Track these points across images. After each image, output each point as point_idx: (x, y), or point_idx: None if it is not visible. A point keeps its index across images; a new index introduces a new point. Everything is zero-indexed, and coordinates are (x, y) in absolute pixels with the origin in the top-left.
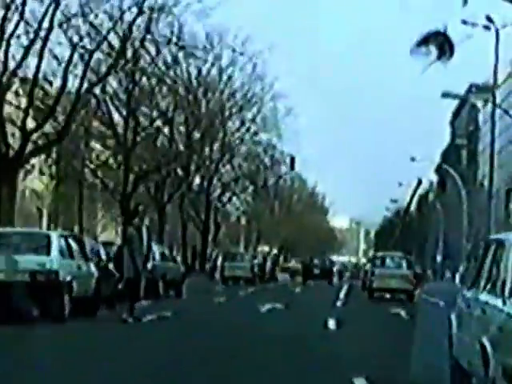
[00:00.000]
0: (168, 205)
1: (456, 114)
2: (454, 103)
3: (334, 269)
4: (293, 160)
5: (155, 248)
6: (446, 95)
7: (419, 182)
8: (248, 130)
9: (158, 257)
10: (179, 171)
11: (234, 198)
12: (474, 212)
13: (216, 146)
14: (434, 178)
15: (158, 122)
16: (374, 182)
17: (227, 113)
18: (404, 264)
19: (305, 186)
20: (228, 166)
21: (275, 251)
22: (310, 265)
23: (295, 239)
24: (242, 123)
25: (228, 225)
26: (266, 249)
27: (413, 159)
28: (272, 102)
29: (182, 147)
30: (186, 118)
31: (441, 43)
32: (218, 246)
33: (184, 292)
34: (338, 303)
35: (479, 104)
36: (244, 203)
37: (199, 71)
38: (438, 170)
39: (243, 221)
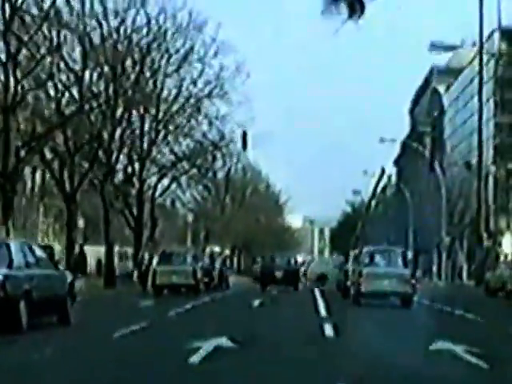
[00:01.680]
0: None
1: (415, 101)
2: (412, 91)
3: (301, 270)
4: (245, 135)
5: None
6: (435, 47)
7: (382, 172)
8: (188, 99)
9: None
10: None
11: (175, 188)
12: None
13: (148, 118)
14: (393, 170)
15: (63, 78)
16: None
17: (161, 76)
18: (400, 261)
19: (259, 177)
20: (165, 149)
21: (227, 252)
22: (271, 266)
23: (249, 238)
24: (180, 89)
25: (171, 222)
26: (217, 249)
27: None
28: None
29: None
30: (99, 74)
31: (351, 2)
32: (156, 247)
33: (71, 317)
34: (327, 329)
35: (441, 88)
36: (188, 195)
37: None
38: (398, 161)
39: (190, 218)
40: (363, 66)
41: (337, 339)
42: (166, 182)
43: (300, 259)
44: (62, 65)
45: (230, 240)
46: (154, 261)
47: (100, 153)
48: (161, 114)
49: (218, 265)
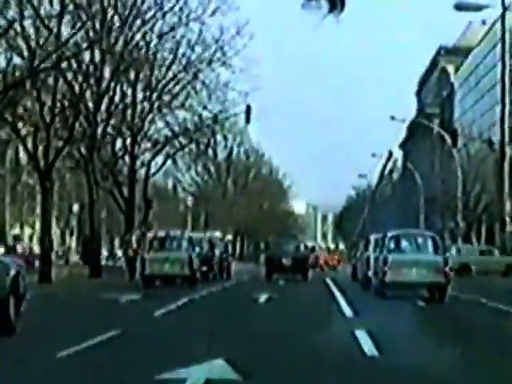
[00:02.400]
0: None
1: (422, 83)
2: (418, 73)
3: (311, 257)
4: (248, 109)
5: None
6: (460, 7)
7: (390, 154)
8: (186, 68)
9: None
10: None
11: (174, 170)
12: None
13: (140, 86)
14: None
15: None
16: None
17: (154, 39)
18: (430, 246)
19: (262, 161)
20: (160, 123)
21: (230, 237)
22: (278, 252)
23: (253, 223)
24: (176, 53)
25: (170, 207)
26: (218, 234)
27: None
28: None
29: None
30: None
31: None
32: (151, 231)
33: (16, 323)
34: (364, 341)
35: (450, 69)
36: (188, 178)
37: None
38: (404, 144)
39: (189, 201)
40: (369, 46)
41: (385, 360)
42: (161, 159)
43: (310, 245)
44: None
45: (233, 225)
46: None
47: (83, 124)
48: (154, 82)
49: (218, 251)
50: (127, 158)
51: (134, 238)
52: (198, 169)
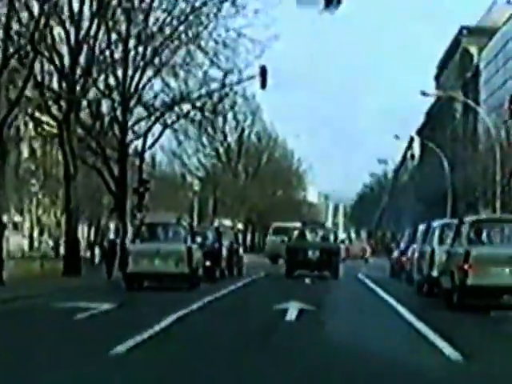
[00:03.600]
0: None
1: (442, 66)
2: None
3: (342, 249)
4: (264, 71)
5: None
6: None
7: (411, 140)
8: (188, 17)
9: None
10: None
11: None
12: None
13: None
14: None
15: None
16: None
17: None
18: None
19: (275, 144)
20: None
21: (240, 226)
22: (302, 244)
23: (265, 211)
24: None
25: (169, 190)
26: (228, 223)
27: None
28: None
29: None
30: None
31: None
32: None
33: None
34: None
35: (473, 50)
36: (195, 161)
37: None
38: (421, 131)
39: (196, 186)
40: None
41: None
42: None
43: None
44: None
45: (244, 213)
46: (129, 235)
47: (56, 79)
48: (150, 34)
49: (227, 242)
50: (117, 129)
51: (111, 226)
52: (205, 151)
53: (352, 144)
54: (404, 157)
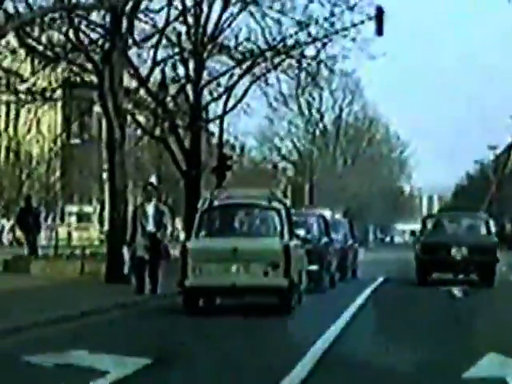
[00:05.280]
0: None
1: None
2: None
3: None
4: (380, 13)
5: None
6: None
7: None
8: None
9: None
10: None
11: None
12: None
13: None
14: None
15: None
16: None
17: None
18: None
19: (377, 124)
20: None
21: (338, 216)
22: (441, 236)
23: (364, 200)
24: None
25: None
26: (327, 213)
27: None
28: None
29: None
30: None
31: None
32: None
33: None
34: None
35: None
36: (289, 143)
37: None
38: None
39: (289, 171)
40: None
41: None
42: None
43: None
44: None
45: (342, 202)
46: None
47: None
48: None
49: (338, 236)
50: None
51: (151, 209)
52: (299, 133)
53: (461, 130)
54: None
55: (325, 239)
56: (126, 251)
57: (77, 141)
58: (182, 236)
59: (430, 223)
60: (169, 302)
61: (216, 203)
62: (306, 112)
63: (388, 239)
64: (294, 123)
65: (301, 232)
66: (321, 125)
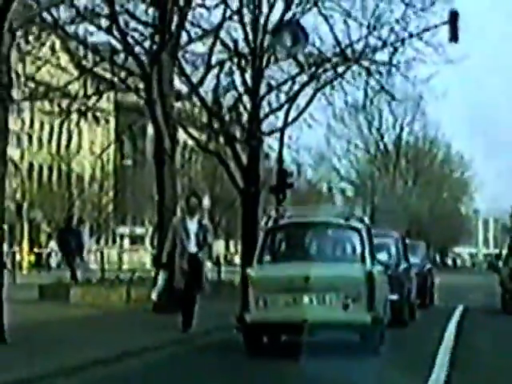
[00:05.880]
0: None
1: None
2: None
3: None
4: (455, 16)
5: None
6: None
7: None
8: None
9: None
10: None
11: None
12: None
13: None
14: None
15: None
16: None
17: None
18: None
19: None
20: None
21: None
22: None
23: (425, 221)
24: None
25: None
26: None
27: None
28: None
29: None
30: None
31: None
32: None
33: None
34: None
35: None
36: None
37: None
38: None
39: (350, 192)
40: None
41: None
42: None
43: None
44: None
45: (402, 223)
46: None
47: None
48: None
49: (419, 260)
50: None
51: (192, 227)
52: (358, 153)
53: None
54: None
55: (404, 264)
56: (161, 275)
57: (129, 162)
58: (237, 261)
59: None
60: (217, 338)
61: (283, 222)
62: (366, 131)
63: (450, 262)
64: (353, 142)
65: (379, 256)
66: (381, 144)
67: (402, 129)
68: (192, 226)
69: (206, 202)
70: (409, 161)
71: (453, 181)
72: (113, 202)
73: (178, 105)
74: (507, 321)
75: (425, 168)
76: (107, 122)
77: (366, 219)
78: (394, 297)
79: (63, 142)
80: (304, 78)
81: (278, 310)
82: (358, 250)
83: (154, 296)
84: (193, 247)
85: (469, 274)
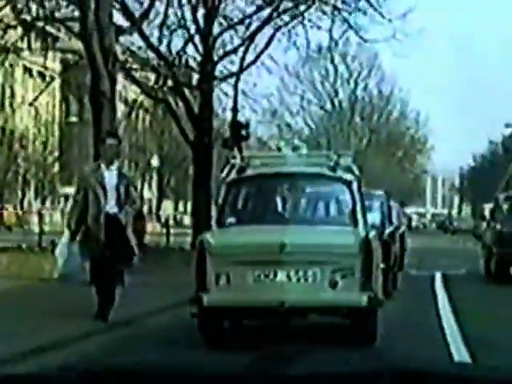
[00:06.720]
0: None
1: None
2: None
3: None
4: None
5: None
6: None
7: None
8: None
9: None
10: None
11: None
12: None
13: None
14: None
15: None
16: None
17: None
18: None
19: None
20: None
21: None
22: None
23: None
24: None
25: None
26: None
27: None
28: None
29: None
30: None
31: None
32: None
33: None
34: None
35: None
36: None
37: None
38: None
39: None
40: None
41: None
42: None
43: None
44: None
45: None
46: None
47: None
48: None
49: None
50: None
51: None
52: (311, 109)
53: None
54: None
55: (390, 227)
56: (63, 247)
57: (74, 119)
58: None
59: (508, 207)
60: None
61: (250, 172)
62: (319, 86)
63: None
64: (306, 98)
65: (377, 216)
66: (336, 100)
67: (356, 84)
68: (110, 177)
69: (155, 161)
70: (363, 118)
71: (408, 140)
72: (58, 161)
73: (120, 50)
74: (497, 289)
75: (380, 125)
76: (52, 79)
77: (356, 169)
78: (381, 265)
79: (6, 100)
80: (264, 15)
81: (246, 290)
82: (349, 209)
83: (55, 275)
84: (112, 206)
85: (425, 236)
